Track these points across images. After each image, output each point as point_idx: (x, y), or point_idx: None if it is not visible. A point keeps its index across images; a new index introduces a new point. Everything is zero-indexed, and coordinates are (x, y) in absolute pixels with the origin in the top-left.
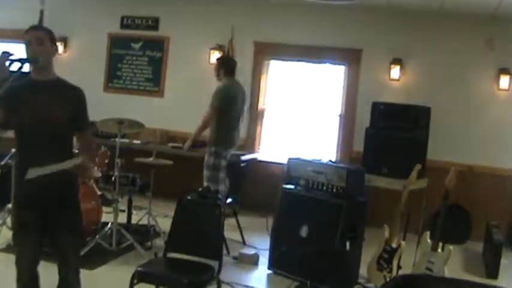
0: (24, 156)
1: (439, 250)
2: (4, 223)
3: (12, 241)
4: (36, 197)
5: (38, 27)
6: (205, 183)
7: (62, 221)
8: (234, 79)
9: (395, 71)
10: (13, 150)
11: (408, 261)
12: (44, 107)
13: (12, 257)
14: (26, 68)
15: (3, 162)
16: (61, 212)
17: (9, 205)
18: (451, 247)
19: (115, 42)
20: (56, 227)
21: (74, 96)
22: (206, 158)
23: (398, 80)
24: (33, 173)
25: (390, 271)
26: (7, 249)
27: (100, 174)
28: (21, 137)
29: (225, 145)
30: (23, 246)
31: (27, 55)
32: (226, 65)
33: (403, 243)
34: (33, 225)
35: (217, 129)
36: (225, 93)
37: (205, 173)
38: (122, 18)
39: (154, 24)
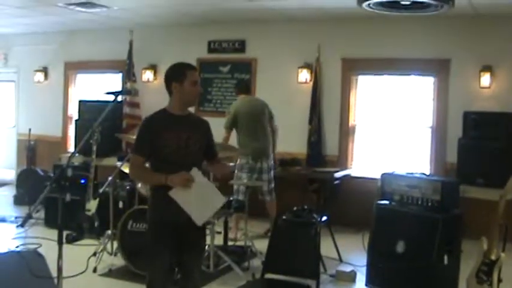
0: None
1: None
2: (104, 249)
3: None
4: (173, 219)
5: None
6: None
7: (190, 239)
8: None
9: (485, 79)
10: (110, 178)
11: (509, 274)
12: (183, 139)
13: (113, 282)
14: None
15: (101, 190)
16: (191, 230)
17: (109, 231)
18: None
19: (204, 66)
20: (184, 245)
21: (204, 129)
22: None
23: (489, 87)
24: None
25: (490, 284)
26: (108, 273)
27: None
28: (160, 167)
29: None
30: (155, 271)
31: (189, 98)
32: (238, 87)
33: (502, 254)
34: (168, 249)
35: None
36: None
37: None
38: (209, 43)
39: (241, 46)
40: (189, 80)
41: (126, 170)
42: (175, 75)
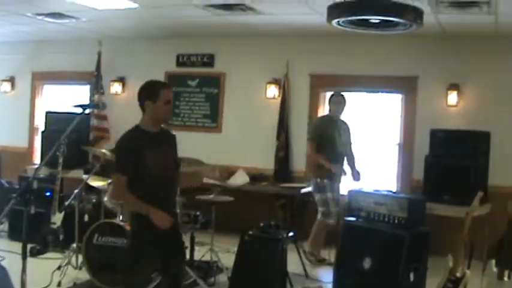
0: (148, 201)
1: (505, 278)
2: (69, 262)
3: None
4: (159, 233)
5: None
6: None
7: (176, 247)
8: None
9: (452, 97)
10: (76, 191)
11: None
12: (162, 157)
13: None
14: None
15: (67, 203)
16: (175, 241)
17: (74, 245)
18: None
19: (172, 80)
20: (170, 257)
21: (174, 142)
22: None
23: (456, 105)
24: None
25: None
26: None
27: None
28: (141, 186)
29: None
30: (143, 280)
31: (162, 116)
32: None
33: (467, 272)
34: (153, 263)
35: None
36: None
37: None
38: (178, 56)
39: (209, 60)
40: (162, 99)
41: (93, 183)
42: (149, 93)
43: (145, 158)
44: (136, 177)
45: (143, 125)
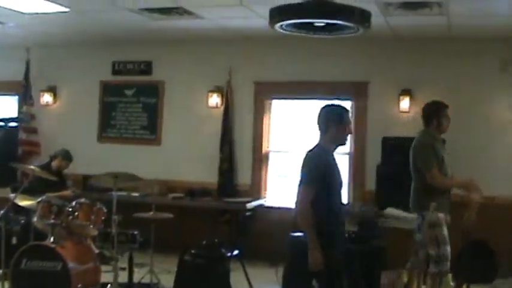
0: (334, 222)
1: None
2: None
3: None
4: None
5: None
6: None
7: None
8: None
9: (404, 103)
10: (2, 211)
11: None
12: (340, 177)
13: None
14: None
15: None
16: None
17: (0, 271)
18: None
19: (107, 89)
20: None
21: None
22: None
23: (408, 111)
24: None
25: None
26: None
27: (96, 233)
28: (330, 202)
29: None
30: None
31: (342, 139)
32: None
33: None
34: None
35: None
36: None
37: None
38: (113, 64)
39: (147, 68)
40: (347, 123)
41: (21, 203)
42: (340, 118)
43: (334, 176)
44: (325, 193)
45: (326, 146)
